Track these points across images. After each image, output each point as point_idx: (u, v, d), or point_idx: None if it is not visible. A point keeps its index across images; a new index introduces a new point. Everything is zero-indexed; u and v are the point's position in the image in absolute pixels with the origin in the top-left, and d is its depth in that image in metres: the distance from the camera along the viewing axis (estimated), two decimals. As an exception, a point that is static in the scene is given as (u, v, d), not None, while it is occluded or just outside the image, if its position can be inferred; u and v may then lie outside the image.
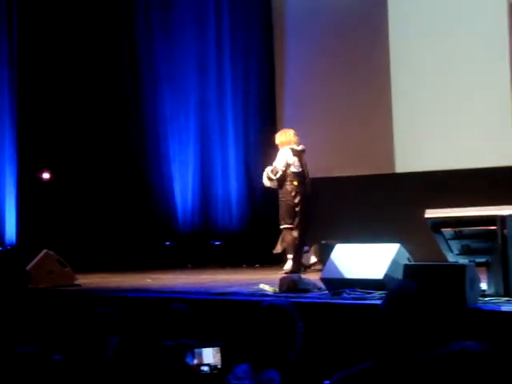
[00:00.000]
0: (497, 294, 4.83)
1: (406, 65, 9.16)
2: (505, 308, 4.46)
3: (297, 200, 8.14)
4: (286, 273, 7.69)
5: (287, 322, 3.14)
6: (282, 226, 8.21)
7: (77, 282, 7.42)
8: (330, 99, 9.67)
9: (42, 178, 10.54)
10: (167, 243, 10.56)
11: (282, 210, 8.20)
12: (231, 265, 9.67)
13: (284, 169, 8.14)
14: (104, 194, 10.53)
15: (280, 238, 8.33)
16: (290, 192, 8.14)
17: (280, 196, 8.25)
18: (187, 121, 10.65)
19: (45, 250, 7.59)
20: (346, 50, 9.63)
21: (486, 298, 4.77)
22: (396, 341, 2.45)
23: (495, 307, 4.52)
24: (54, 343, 4.73)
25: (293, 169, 8.17)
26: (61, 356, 3.93)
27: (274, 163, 8.24)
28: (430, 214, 5.40)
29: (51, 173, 10.57)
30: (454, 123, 8.79)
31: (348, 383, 2.46)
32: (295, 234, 8.14)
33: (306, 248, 8.30)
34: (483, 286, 4.93)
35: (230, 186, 10.50)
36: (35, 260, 7.48)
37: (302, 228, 8.20)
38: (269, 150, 10.37)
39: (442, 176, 8.70)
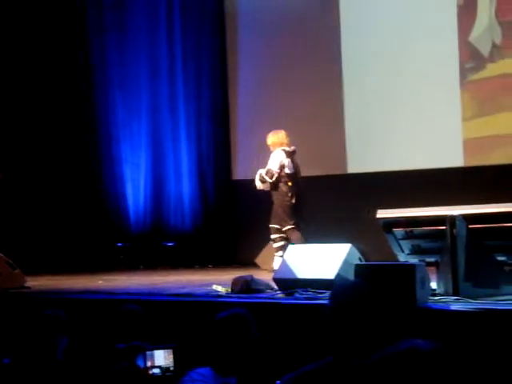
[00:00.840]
0: (446, 293, 4.90)
1: (358, 67, 9.24)
2: (454, 307, 4.53)
3: (294, 200, 8.09)
4: None
5: (244, 332, 3.16)
6: (285, 228, 8.04)
7: (27, 285, 7.30)
8: (283, 103, 9.71)
9: (-9, 179, 10.36)
10: (119, 244, 10.48)
11: (281, 211, 8.06)
12: (184, 266, 9.64)
13: (279, 171, 8.08)
14: (56, 196, 10.40)
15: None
16: (287, 193, 8.08)
17: (275, 198, 8.14)
18: (139, 124, 10.60)
19: (-6, 252, 7.46)
20: (298, 53, 9.68)
21: (436, 297, 4.84)
22: (344, 339, 2.46)
23: (445, 306, 4.58)
24: (2, 346, 4.65)
25: (287, 170, 8.11)
26: (10, 359, 3.87)
27: (268, 165, 8.17)
28: (382, 214, 5.46)
29: (1, 173, 10.39)
30: (404, 125, 8.90)
31: (298, 383, 2.46)
32: (299, 232, 8.02)
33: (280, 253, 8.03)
34: (433, 285, 5.00)
35: (182, 188, 10.48)
36: (-16, 262, 7.34)
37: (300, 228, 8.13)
38: (221, 153, 10.42)
39: (394, 176, 8.80)
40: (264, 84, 10.01)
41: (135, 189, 10.57)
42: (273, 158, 8.21)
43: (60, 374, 3.66)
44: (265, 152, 9.16)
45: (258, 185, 8.25)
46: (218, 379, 3.06)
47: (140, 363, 3.65)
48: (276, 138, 8.26)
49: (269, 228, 8.20)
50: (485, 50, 8.49)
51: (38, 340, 3.81)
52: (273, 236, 8.17)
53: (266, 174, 8.13)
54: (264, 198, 9.13)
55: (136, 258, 10.24)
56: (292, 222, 8.04)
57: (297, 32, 9.70)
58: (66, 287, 7.23)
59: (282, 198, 8.11)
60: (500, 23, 8.40)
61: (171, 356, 3.75)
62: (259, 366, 3.21)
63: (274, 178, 8.08)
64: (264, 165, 8.30)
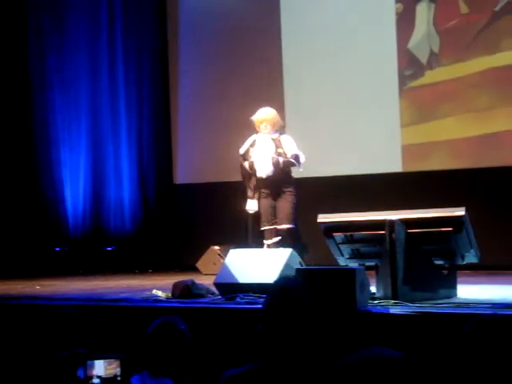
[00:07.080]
0: (385, 297, 4.97)
1: (298, 72, 9.29)
2: (393, 310, 4.60)
3: None
4: None
5: (177, 339, 3.27)
6: (288, 226, 6.77)
7: (-39, 290, 7.15)
8: (224, 104, 9.70)
9: None
10: (57, 249, 10.31)
11: (296, 207, 6.80)
12: (124, 270, 9.54)
13: None
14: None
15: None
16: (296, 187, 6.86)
17: (288, 193, 6.78)
18: (79, 127, 10.44)
19: None
20: (240, 55, 9.69)
21: (376, 301, 4.90)
22: (278, 339, 2.43)
23: (384, 310, 4.64)
24: None
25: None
26: None
27: (291, 150, 6.75)
28: (322, 218, 5.52)
29: None
30: (344, 130, 8.98)
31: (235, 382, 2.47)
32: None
33: None
34: (373, 289, 5.06)
35: (122, 191, 10.38)
36: None
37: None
38: (162, 156, 10.36)
39: (333, 182, 8.87)
40: (206, 86, 9.97)
41: (74, 192, 10.42)
42: (290, 141, 6.87)
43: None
44: (207, 156, 9.10)
45: (270, 169, 6.77)
46: (154, 382, 3.12)
47: (80, 374, 3.57)
48: (279, 117, 7.06)
49: (279, 231, 6.80)
50: (423, 57, 8.63)
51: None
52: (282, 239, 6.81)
53: (297, 160, 6.74)
54: (205, 202, 9.12)
55: (75, 262, 10.09)
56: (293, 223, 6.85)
57: (238, 35, 9.71)
58: (1, 293, 7.08)
59: (294, 193, 6.84)
60: (438, 31, 8.55)
61: (114, 366, 3.66)
62: (194, 367, 3.28)
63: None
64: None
